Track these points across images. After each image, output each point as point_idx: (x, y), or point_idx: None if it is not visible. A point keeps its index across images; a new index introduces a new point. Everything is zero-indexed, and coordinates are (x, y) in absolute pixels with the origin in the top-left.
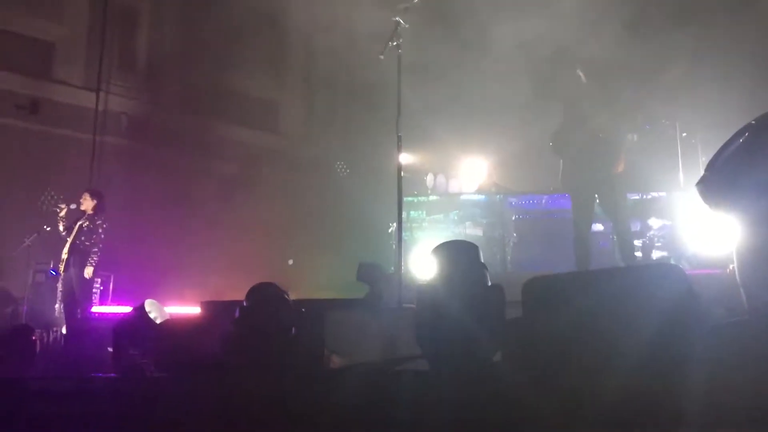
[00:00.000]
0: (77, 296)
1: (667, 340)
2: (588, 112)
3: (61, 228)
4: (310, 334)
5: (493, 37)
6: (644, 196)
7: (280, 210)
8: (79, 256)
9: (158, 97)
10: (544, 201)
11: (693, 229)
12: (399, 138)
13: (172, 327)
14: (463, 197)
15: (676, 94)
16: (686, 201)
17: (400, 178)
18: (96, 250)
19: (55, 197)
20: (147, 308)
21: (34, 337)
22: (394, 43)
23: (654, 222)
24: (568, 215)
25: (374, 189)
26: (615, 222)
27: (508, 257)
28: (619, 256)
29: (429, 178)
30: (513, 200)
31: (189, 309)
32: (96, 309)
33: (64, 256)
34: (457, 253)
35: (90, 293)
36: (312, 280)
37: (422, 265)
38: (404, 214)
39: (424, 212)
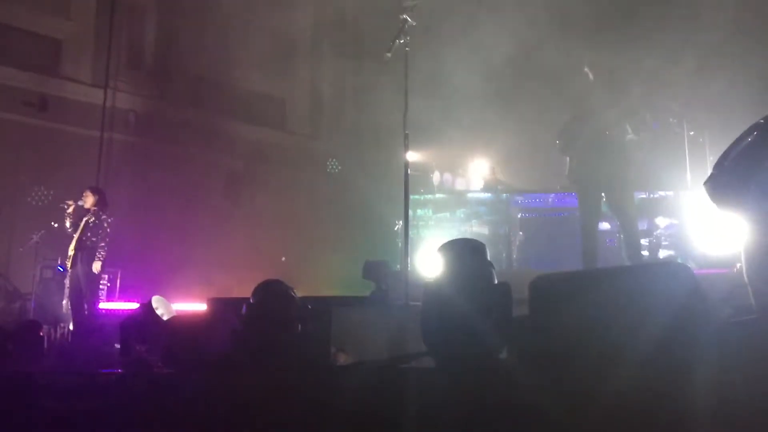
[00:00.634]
0: (84, 292)
1: (673, 338)
2: (595, 109)
3: (67, 224)
4: (316, 331)
5: (500, 36)
6: (651, 195)
7: (287, 207)
8: (85, 253)
9: (165, 93)
10: (550, 199)
11: (700, 228)
12: (406, 136)
13: (178, 323)
14: (469, 195)
15: (683, 93)
16: (693, 200)
17: (407, 176)
18: (103, 244)
19: (63, 194)
20: (154, 305)
21: (41, 333)
22: (401, 41)
23: (661, 221)
24: (575, 213)
25: (381, 187)
26: (622, 220)
27: (514, 255)
28: (625, 254)
29: (435, 176)
30: (519, 198)
31: (196, 306)
32: (103, 305)
33: (71, 252)
34: (464, 251)
35: (97, 290)
36: (318, 277)
37: (429, 262)
38: (411, 212)
39: (431, 210)
